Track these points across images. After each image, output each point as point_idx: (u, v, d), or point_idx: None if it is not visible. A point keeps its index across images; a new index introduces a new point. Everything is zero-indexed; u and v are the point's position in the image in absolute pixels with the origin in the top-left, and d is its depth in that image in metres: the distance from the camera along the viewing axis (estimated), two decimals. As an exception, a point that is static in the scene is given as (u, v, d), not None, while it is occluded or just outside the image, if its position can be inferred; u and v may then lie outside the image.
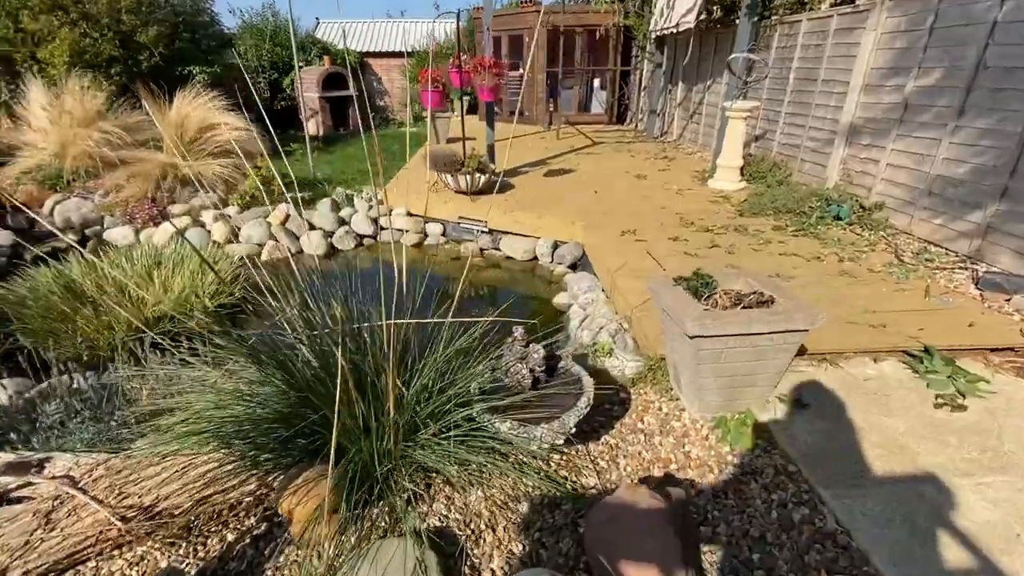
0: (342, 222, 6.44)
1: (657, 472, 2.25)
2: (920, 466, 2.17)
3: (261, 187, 6.06)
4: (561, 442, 2.19)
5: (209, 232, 6.08)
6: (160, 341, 2.40)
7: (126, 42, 8.81)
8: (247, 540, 1.94)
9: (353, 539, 1.83)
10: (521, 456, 2.21)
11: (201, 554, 1.89)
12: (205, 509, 1.98)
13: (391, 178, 7.37)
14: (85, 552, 1.83)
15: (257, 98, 3.71)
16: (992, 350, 2.91)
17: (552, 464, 2.26)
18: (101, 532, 1.83)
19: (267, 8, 13.27)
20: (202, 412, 2.08)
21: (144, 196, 6.30)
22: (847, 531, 1.90)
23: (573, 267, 5.19)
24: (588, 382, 2.30)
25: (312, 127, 11.90)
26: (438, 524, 1.98)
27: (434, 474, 2.13)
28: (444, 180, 6.21)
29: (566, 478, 2.19)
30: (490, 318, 2.25)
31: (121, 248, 5.48)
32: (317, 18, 17.76)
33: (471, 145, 6.72)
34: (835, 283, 3.69)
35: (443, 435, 2.08)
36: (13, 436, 2.32)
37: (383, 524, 1.92)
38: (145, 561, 1.87)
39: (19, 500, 1.96)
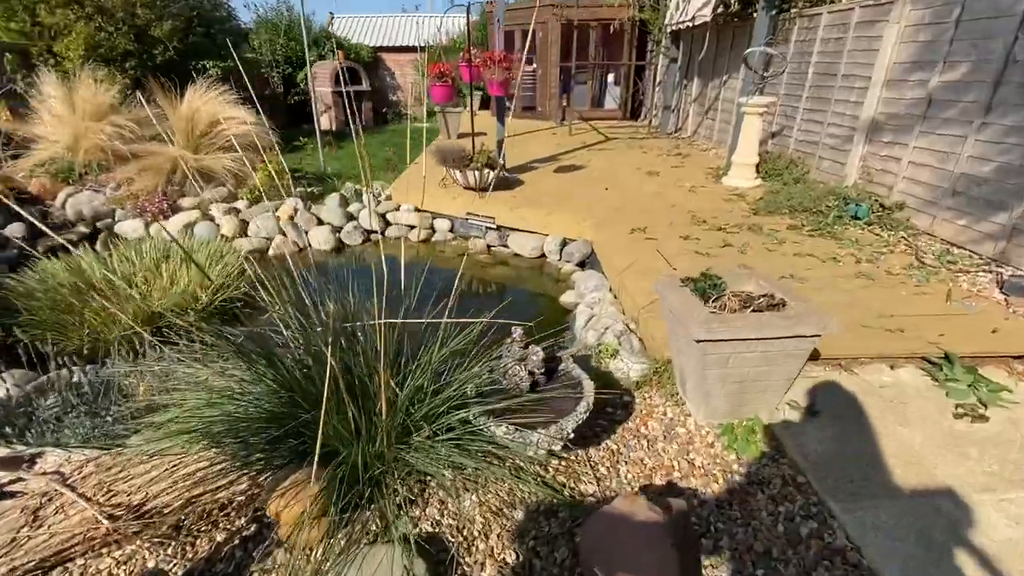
0: (350, 217, 6.40)
1: (659, 480, 2.17)
2: (937, 479, 2.06)
3: (277, 178, 6.03)
4: (559, 448, 2.12)
5: (218, 226, 6.08)
6: (164, 335, 2.37)
7: (141, 36, 8.87)
8: (236, 541, 1.90)
9: (342, 543, 1.78)
10: (518, 461, 2.14)
11: (190, 555, 1.86)
12: (195, 508, 1.94)
13: (400, 173, 7.32)
14: (72, 550, 1.81)
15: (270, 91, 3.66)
16: (1016, 357, 2.78)
17: (550, 470, 2.20)
18: (88, 530, 1.81)
19: (282, 3, 13.29)
20: (193, 410, 2.05)
21: (155, 189, 6.33)
22: (857, 547, 1.81)
23: (581, 265, 5.10)
24: (589, 386, 2.22)
25: (325, 122, 11.92)
26: (431, 530, 1.92)
27: (428, 478, 2.07)
28: (453, 176, 6.14)
29: (564, 484, 2.13)
30: (487, 319, 2.18)
31: (131, 241, 5.50)
32: (331, 13, 17.80)
33: (481, 140, 6.64)
34: (851, 285, 3.57)
35: (437, 438, 2.02)
36: (8, 430, 2.31)
37: (375, 528, 1.87)
38: (134, 560, 1.84)
39: (10, 495, 1.94)
